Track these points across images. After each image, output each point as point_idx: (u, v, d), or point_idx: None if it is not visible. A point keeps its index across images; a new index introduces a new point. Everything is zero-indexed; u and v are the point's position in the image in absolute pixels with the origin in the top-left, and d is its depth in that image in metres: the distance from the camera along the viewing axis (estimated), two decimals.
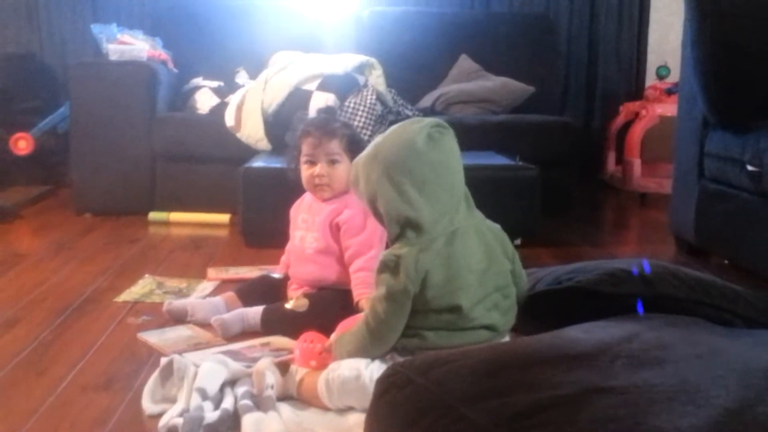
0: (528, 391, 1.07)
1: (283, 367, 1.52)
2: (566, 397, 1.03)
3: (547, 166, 3.05)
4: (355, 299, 1.90)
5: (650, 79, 4.56)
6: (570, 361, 1.14)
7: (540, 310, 1.56)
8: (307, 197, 2.11)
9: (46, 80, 4.17)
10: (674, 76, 3.81)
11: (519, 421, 1.01)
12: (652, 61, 4.60)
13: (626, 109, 4.35)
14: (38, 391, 1.57)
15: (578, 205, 3.72)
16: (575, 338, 1.24)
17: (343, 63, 3.52)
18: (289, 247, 2.13)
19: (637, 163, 4.04)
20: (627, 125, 4.26)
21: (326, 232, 2.00)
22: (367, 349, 1.44)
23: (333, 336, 1.54)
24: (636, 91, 4.59)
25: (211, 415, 1.38)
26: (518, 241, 2.85)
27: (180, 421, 1.36)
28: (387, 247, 1.47)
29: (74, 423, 1.43)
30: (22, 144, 3.71)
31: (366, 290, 1.87)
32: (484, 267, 1.44)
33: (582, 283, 1.52)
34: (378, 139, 1.47)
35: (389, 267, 1.40)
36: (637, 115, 4.19)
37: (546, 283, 1.60)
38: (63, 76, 4.06)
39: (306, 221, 2.06)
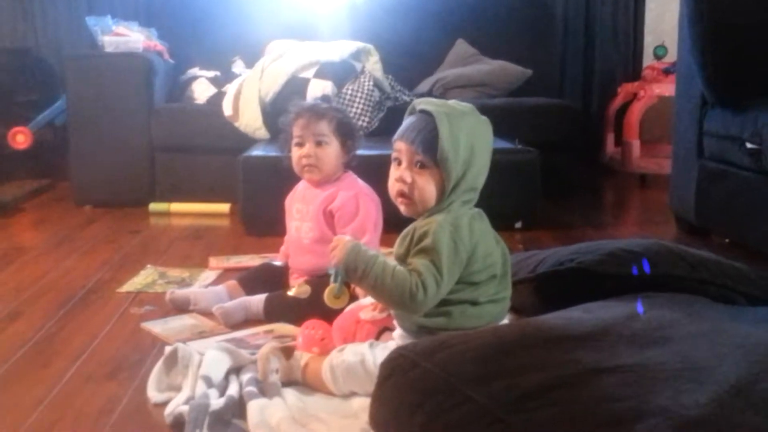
0: (532, 372, 1.08)
1: (287, 353, 1.52)
2: (570, 377, 1.04)
3: (547, 149, 3.04)
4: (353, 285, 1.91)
5: (647, 60, 4.55)
6: (573, 342, 1.14)
7: (542, 291, 1.57)
8: (300, 186, 2.11)
9: (42, 74, 4.15)
10: (671, 56, 3.79)
11: (524, 402, 1.02)
12: (649, 42, 4.58)
13: (624, 90, 4.34)
14: (43, 382, 1.57)
15: (578, 188, 3.72)
16: (578, 318, 1.24)
17: (340, 50, 3.51)
18: (286, 237, 2.14)
19: (636, 144, 4.04)
20: (625, 106, 4.25)
21: (320, 220, 2.01)
22: (394, 304, 1.40)
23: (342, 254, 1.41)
24: (634, 71, 4.58)
25: (216, 402, 1.39)
26: (519, 224, 2.86)
27: (186, 408, 1.36)
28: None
29: (80, 413, 1.43)
30: (20, 138, 3.70)
31: None
32: (498, 243, 1.45)
33: (584, 263, 1.53)
34: (467, 107, 1.43)
35: (451, 228, 1.37)
36: (635, 95, 4.18)
37: (548, 265, 1.60)
38: (59, 70, 4.04)
39: (300, 211, 2.06)
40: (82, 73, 3.41)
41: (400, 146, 1.42)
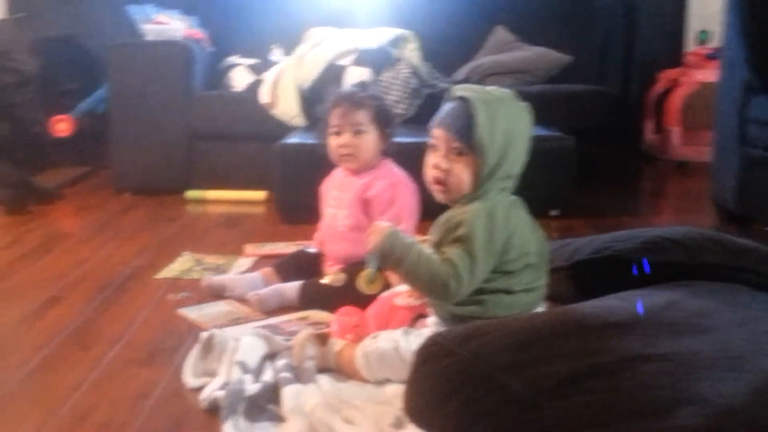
0: (568, 360, 1.07)
1: (323, 340, 1.52)
2: (607, 365, 1.02)
3: (584, 136, 3.00)
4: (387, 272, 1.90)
5: (690, 45, 4.46)
6: (610, 330, 1.13)
7: (579, 279, 1.55)
8: (337, 173, 2.10)
9: (84, 62, 4.21)
10: (715, 41, 3.71)
11: (559, 390, 1.01)
12: (692, 27, 4.49)
13: (665, 76, 4.26)
14: (83, 365, 1.60)
15: (616, 175, 3.67)
16: (615, 307, 1.22)
17: (378, 37, 3.50)
18: (322, 224, 2.14)
19: (676, 131, 3.97)
20: (666, 93, 4.17)
21: (356, 208, 2.01)
22: (428, 292, 1.40)
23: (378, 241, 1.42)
24: (675, 57, 4.49)
25: (251, 387, 1.40)
26: (555, 212, 2.83)
27: (221, 394, 1.38)
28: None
29: (118, 397, 1.46)
30: (62, 126, 3.76)
31: None
32: (534, 232, 1.44)
33: (621, 252, 1.51)
34: (505, 93, 1.42)
35: (486, 217, 1.36)
36: (676, 82, 4.10)
37: (585, 253, 1.58)
38: (101, 58, 4.09)
39: (337, 198, 2.06)
40: (124, 61, 3.45)
41: (437, 133, 1.42)
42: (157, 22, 3.58)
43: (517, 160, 1.40)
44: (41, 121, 3.84)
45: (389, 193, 1.99)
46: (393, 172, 2.05)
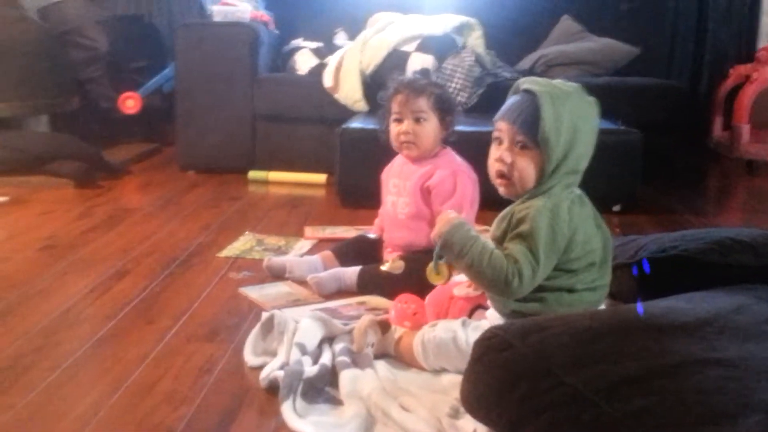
0: (630, 360, 1.06)
1: (383, 326, 1.54)
2: (670, 368, 1.01)
3: (650, 131, 2.95)
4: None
5: (763, 41, 4.33)
6: (674, 331, 1.11)
7: (642, 278, 1.53)
8: (397, 160, 2.11)
9: (153, 41, 4.29)
10: None
11: (619, 390, 1.00)
12: (765, 22, 4.36)
13: (736, 72, 4.15)
14: (147, 339, 1.65)
15: (681, 172, 3.60)
16: (680, 308, 1.21)
17: (443, 24, 3.48)
18: (381, 211, 2.15)
19: (745, 129, 3.86)
20: (736, 89, 4.07)
21: (417, 196, 2.01)
22: (488, 287, 1.40)
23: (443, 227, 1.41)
24: (747, 52, 4.37)
25: (310, 369, 1.42)
26: (617, 207, 2.80)
27: (281, 374, 1.40)
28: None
29: (181, 370, 1.50)
30: (130, 103, 3.85)
31: None
32: (599, 228, 1.43)
33: (689, 251, 1.48)
34: (572, 87, 1.40)
35: (550, 214, 1.35)
36: (747, 78, 3.99)
37: (649, 251, 1.56)
38: (169, 38, 4.16)
39: (397, 186, 2.07)
40: (191, 42, 3.51)
41: (501, 126, 1.41)
42: (225, 4, 3.63)
43: (583, 155, 1.39)
44: (111, 98, 3.94)
45: (450, 182, 1.99)
46: (454, 161, 2.05)
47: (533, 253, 1.33)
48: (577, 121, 1.36)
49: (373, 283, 1.93)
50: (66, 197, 3.01)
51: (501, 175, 1.41)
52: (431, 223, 2.00)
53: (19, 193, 3.02)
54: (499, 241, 1.40)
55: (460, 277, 1.68)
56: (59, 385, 1.43)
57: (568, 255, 1.36)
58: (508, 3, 3.95)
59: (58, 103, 3.71)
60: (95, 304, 1.87)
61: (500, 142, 1.41)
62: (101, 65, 4.03)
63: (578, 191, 1.42)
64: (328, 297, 1.91)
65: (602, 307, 1.43)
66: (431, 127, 2.00)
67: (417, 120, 1.99)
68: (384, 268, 1.93)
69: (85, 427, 1.28)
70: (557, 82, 1.40)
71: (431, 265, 1.43)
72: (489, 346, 1.17)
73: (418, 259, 1.96)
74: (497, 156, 1.41)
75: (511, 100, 1.42)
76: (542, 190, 1.38)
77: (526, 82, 1.41)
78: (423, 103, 1.99)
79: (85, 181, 3.16)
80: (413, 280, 1.85)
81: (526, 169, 1.38)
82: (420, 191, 2.01)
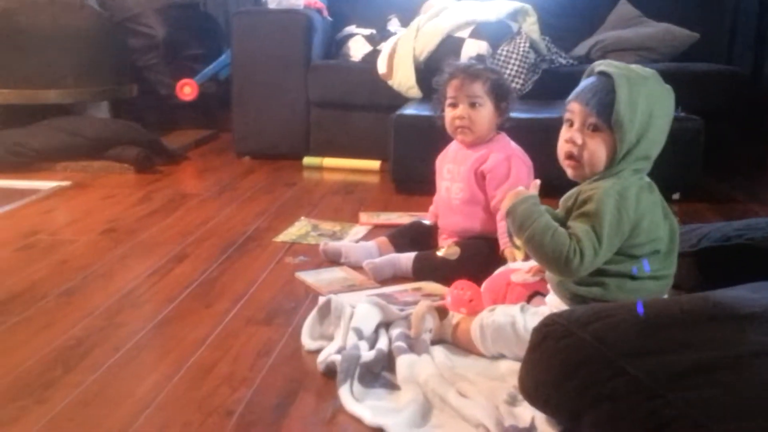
0: (691, 350, 1.04)
1: (441, 312, 1.54)
2: (735, 359, 1.00)
3: (711, 118, 2.89)
4: (501, 248, 1.90)
5: None
6: (739, 321, 1.09)
7: (705, 266, 1.50)
8: (452, 146, 2.10)
9: (208, 29, 4.34)
10: None
11: (680, 381, 0.99)
12: None
13: None
14: (206, 322, 1.68)
15: (743, 160, 3.51)
16: (744, 298, 1.18)
17: (497, 10, 3.45)
18: (436, 198, 2.15)
19: None
20: None
21: (471, 181, 2.00)
22: (548, 264, 1.38)
23: (507, 203, 1.41)
24: None
25: (367, 354, 1.43)
26: (677, 196, 2.75)
27: (338, 358, 1.42)
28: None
29: (239, 353, 1.52)
30: (187, 90, 3.91)
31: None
32: (666, 218, 1.41)
33: (754, 240, 1.45)
34: (649, 72, 1.39)
35: (617, 196, 1.34)
36: None
37: (712, 240, 1.53)
38: (225, 25, 4.21)
39: (451, 171, 2.06)
40: (247, 29, 3.54)
41: (573, 107, 1.40)
42: None
43: (655, 142, 1.37)
44: (168, 85, 4.00)
45: (504, 166, 1.98)
46: (509, 146, 2.03)
47: (597, 233, 1.32)
48: (652, 106, 1.35)
49: (428, 269, 1.93)
50: (126, 182, 3.07)
51: (570, 156, 1.40)
52: (485, 209, 2.00)
53: (82, 177, 3.10)
54: (562, 221, 1.39)
55: (518, 264, 1.68)
56: (122, 365, 1.47)
57: (632, 240, 1.34)
58: None
59: (118, 90, 3.78)
60: (156, 286, 1.91)
61: (571, 124, 1.40)
62: (159, 52, 4.10)
63: (647, 179, 1.40)
64: (384, 282, 1.92)
65: (665, 297, 1.41)
66: (486, 112, 1.99)
67: (472, 105, 1.98)
68: (440, 253, 1.94)
69: (148, 407, 1.31)
70: (635, 66, 1.39)
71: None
72: (548, 333, 1.16)
73: (473, 245, 1.97)
74: (567, 137, 1.40)
75: (585, 81, 1.41)
76: (612, 173, 1.37)
77: (601, 65, 1.40)
78: (478, 88, 1.98)
79: (145, 167, 3.23)
80: (469, 265, 1.85)
81: (597, 150, 1.37)
82: (474, 175, 2.00)
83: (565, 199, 1.43)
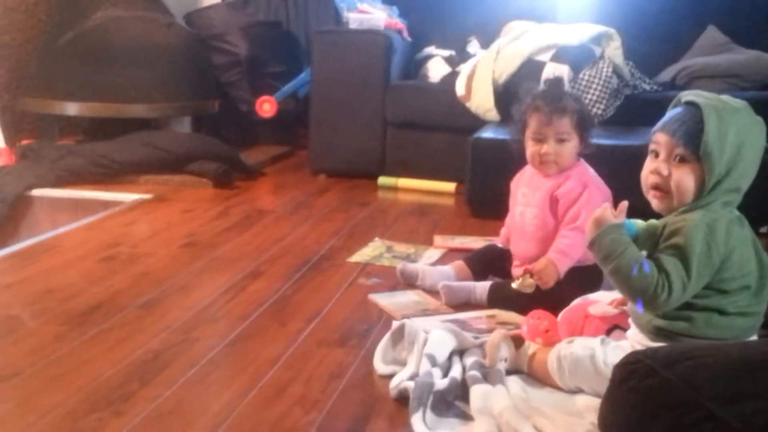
0: None
1: (517, 342, 1.51)
2: None
3: None
4: (528, 268, 1.88)
5: None
6: None
7: None
8: (528, 170, 2.06)
9: (290, 47, 4.41)
10: None
11: None
12: None
13: None
14: (280, 340, 1.69)
15: None
16: None
17: (579, 33, 3.40)
18: (508, 221, 2.11)
19: None
20: None
21: (545, 206, 1.96)
22: (633, 297, 1.33)
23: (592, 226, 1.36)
24: None
25: (440, 382, 1.41)
26: (765, 229, 2.64)
27: (411, 384, 1.40)
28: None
29: (312, 374, 1.52)
30: (267, 107, 3.97)
31: (556, 255, 1.87)
32: (758, 254, 1.35)
33: None
34: (740, 103, 1.35)
35: (706, 229, 1.29)
36: None
37: None
38: (306, 44, 4.27)
39: (526, 195, 2.02)
40: (327, 48, 3.58)
41: (659, 138, 1.36)
42: (361, 11, 3.68)
43: (745, 174, 1.33)
44: (248, 101, 4.08)
45: (578, 191, 1.93)
46: (587, 174, 1.98)
47: (685, 266, 1.27)
48: (742, 137, 1.30)
49: (503, 299, 1.90)
50: (205, 196, 3.13)
51: (656, 186, 1.37)
52: (557, 234, 1.95)
53: (162, 190, 3.17)
54: (648, 253, 1.35)
55: (596, 295, 1.63)
56: (197, 381, 1.49)
57: (722, 274, 1.29)
58: (649, 12, 3.80)
59: (201, 106, 3.87)
60: (231, 303, 1.93)
61: (657, 155, 1.37)
62: (241, 69, 4.18)
63: (737, 212, 1.35)
64: (457, 308, 1.90)
65: (754, 337, 1.35)
66: (572, 146, 1.95)
67: (559, 141, 1.94)
68: (514, 285, 1.89)
69: (222, 424, 1.32)
70: (724, 96, 1.35)
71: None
72: (631, 371, 1.12)
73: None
74: (652, 168, 1.37)
75: (672, 112, 1.38)
76: (700, 205, 1.33)
77: (689, 95, 1.36)
78: (566, 125, 1.93)
79: (223, 182, 3.28)
80: (545, 296, 1.81)
81: (684, 180, 1.33)
82: (549, 200, 1.96)
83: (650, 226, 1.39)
